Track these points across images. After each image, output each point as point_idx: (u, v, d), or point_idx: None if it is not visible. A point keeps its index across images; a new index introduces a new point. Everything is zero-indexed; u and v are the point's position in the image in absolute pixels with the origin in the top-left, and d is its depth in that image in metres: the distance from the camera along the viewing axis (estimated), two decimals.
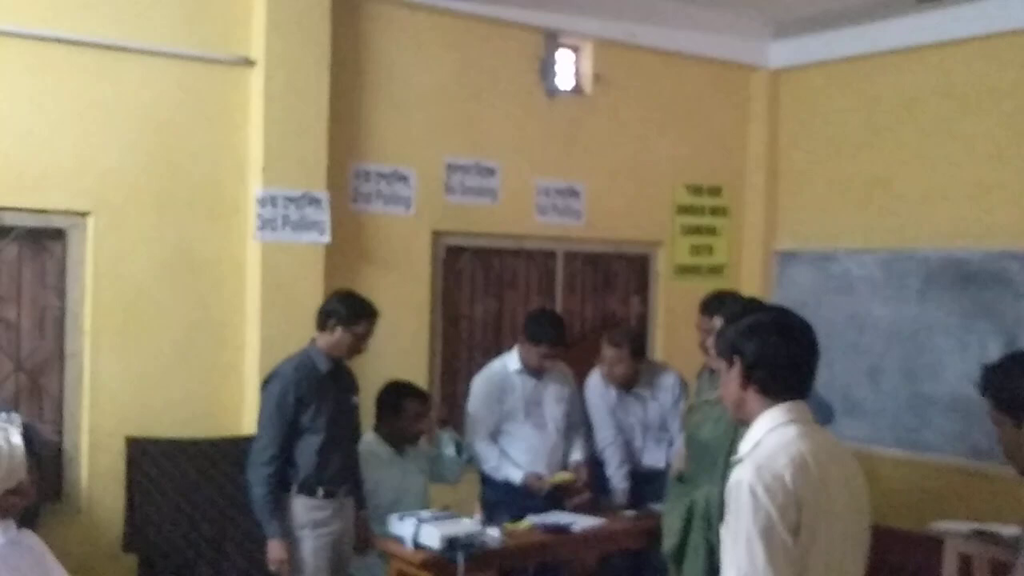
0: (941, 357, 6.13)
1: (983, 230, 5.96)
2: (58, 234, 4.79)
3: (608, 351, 5.00)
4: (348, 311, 4.28)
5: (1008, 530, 4.74)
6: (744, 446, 2.31)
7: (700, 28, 6.70)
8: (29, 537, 3.66)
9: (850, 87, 6.71)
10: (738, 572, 2.13)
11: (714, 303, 4.66)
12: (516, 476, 4.86)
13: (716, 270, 7.02)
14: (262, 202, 5.04)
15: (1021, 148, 5.83)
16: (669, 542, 3.92)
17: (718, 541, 3.63)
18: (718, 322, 3.77)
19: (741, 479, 2.18)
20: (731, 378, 2.37)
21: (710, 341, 3.97)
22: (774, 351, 2.31)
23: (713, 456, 3.78)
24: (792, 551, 2.12)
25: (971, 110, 6.07)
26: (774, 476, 2.15)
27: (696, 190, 6.94)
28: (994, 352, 5.82)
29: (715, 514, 3.69)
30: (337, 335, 4.28)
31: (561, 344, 4.91)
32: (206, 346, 5.05)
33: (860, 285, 6.58)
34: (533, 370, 4.95)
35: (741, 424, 2.42)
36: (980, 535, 4.81)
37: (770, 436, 2.27)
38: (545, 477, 4.87)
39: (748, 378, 2.33)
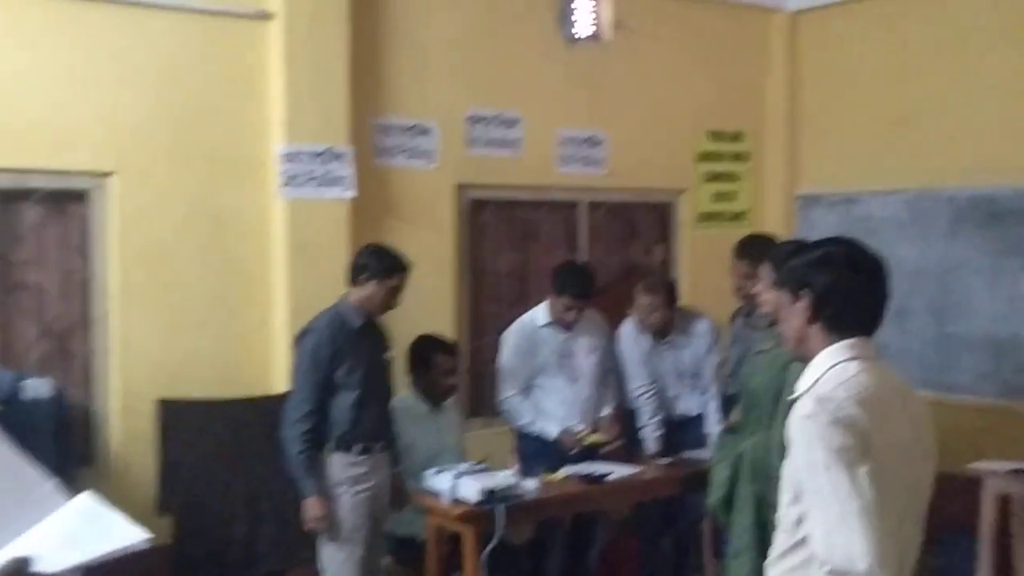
0: (970, 296, 6.07)
1: (1011, 166, 5.86)
2: (81, 195, 4.74)
3: (643, 299, 4.96)
4: (380, 265, 4.23)
5: None
6: (802, 383, 2.23)
7: None
8: None
9: (870, 27, 6.59)
10: (823, 504, 2.04)
11: (749, 247, 4.60)
12: (552, 431, 4.84)
13: (739, 216, 6.95)
14: (285, 158, 4.97)
15: None
16: (716, 494, 3.84)
17: (766, 491, 3.63)
18: (765, 271, 3.71)
19: (804, 414, 2.10)
20: (795, 312, 2.27)
21: (758, 287, 3.89)
22: (846, 285, 2.21)
23: (761, 405, 3.74)
24: (872, 469, 2.04)
25: (996, 44, 5.95)
26: (836, 406, 2.08)
27: (717, 136, 6.85)
28: None
29: (762, 464, 3.65)
30: (370, 289, 4.22)
31: (585, 296, 4.85)
32: (234, 305, 5.01)
33: (884, 227, 6.50)
34: (561, 323, 4.90)
35: (801, 361, 2.32)
36: (1020, 474, 4.79)
37: (830, 372, 2.18)
38: (580, 432, 4.84)
39: (816, 313, 2.23)
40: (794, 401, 2.22)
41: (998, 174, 5.93)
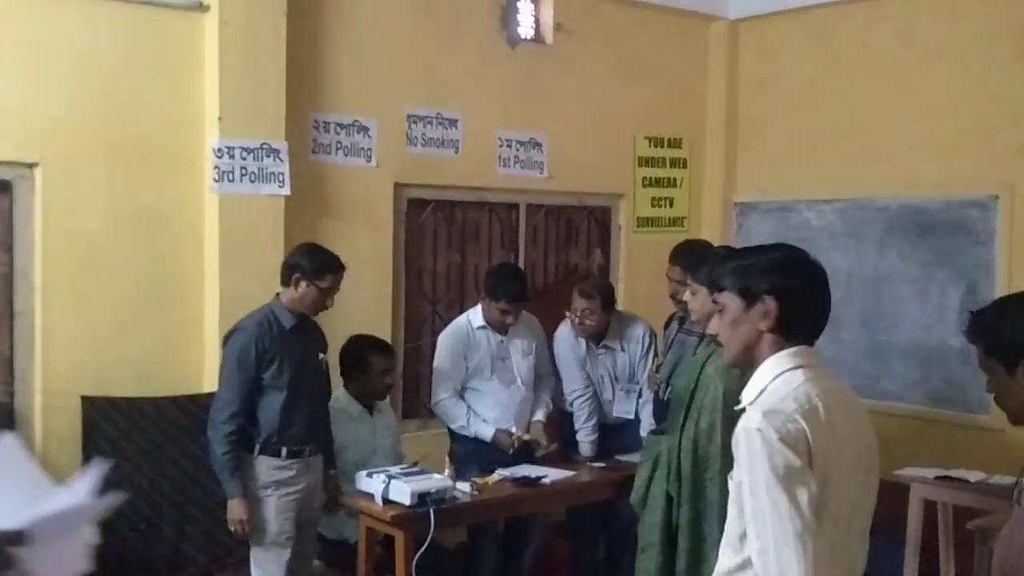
0: (900, 305, 6.17)
1: (942, 179, 5.97)
2: (4, 186, 4.58)
3: (580, 303, 4.95)
4: (313, 265, 4.16)
5: (975, 475, 4.81)
6: (747, 393, 2.21)
7: None
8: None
9: (809, 36, 6.67)
10: (761, 523, 2.02)
11: (684, 253, 4.62)
12: (487, 433, 4.81)
13: (676, 222, 6.99)
14: (218, 153, 4.87)
15: (979, 97, 5.84)
16: (636, 493, 3.95)
17: (677, 492, 3.69)
18: (691, 279, 3.76)
19: (749, 426, 2.06)
20: (749, 319, 2.22)
21: (686, 294, 3.93)
22: (803, 292, 2.19)
23: (682, 407, 3.80)
24: (813, 492, 2.03)
25: (931, 59, 6.06)
26: (784, 420, 2.05)
27: (657, 142, 6.88)
28: (954, 300, 5.89)
29: (674, 465, 3.70)
30: (302, 290, 4.15)
31: (521, 300, 4.83)
32: (164, 302, 4.90)
33: (819, 235, 6.59)
34: (501, 326, 4.87)
35: (745, 368, 2.30)
36: (946, 480, 4.87)
37: (776, 382, 2.16)
38: (515, 433, 4.82)
39: (777, 320, 2.18)
40: (739, 412, 2.20)
41: (928, 186, 6.03)
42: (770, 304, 2.19)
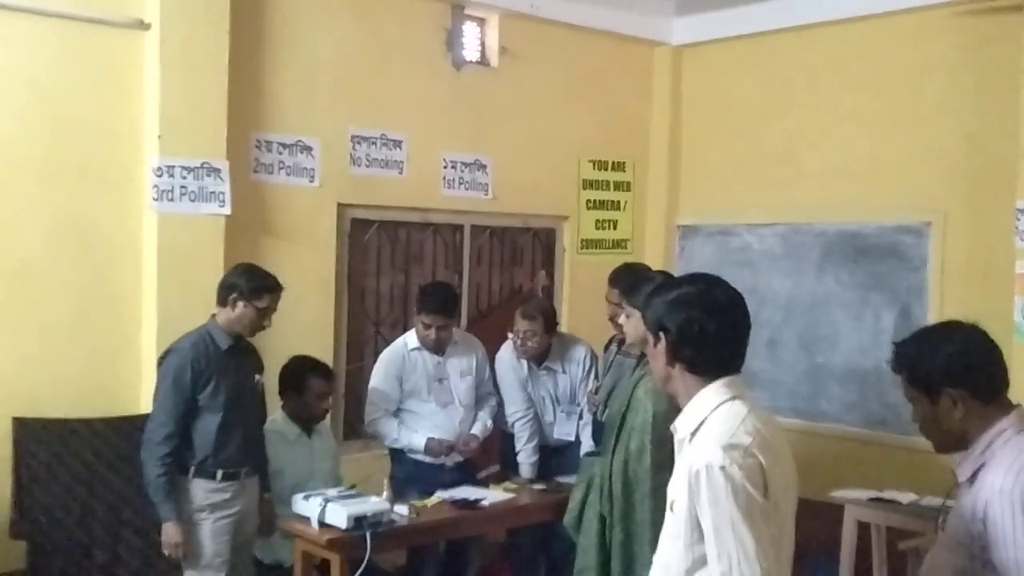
0: (837, 328, 6.28)
1: (877, 204, 6.10)
2: None
3: (521, 324, 4.97)
4: (250, 285, 4.13)
5: (906, 497, 4.89)
6: (683, 425, 2.23)
7: (604, 2, 6.66)
8: None
9: (750, 64, 6.79)
10: (729, 561, 2.03)
11: (622, 276, 4.66)
12: (419, 443, 4.77)
13: (620, 244, 7.06)
14: (158, 172, 4.83)
15: (912, 124, 5.98)
16: (570, 515, 3.98)
17: (609, 512, 3.72)
18: (625, 302, 3.80)
19: (711, 462, 2.06)
20: (657, 353, 2.27)
21: (622, 317, 3.97)
22: (699, 328, 2.19)
23: (615, 429, 3.84)
24: (773, 529, 2.06)
25: (866, 87, 6.20)
26: (743, 453, 2.07)
27: (601, 165, 6.95)
28: (888, 323, 6.00)
29: (606, 487, 3.75)
30: (239, 310, 4.12)
31: (441, 314, 4.77)
32: (100, 321, 4.83)
33: (760, 259, 6.69)
34: (430, 345, 4.85)
35: (672, 399, 2.33)
36: (879, 502, 4.95)
37: (717, 413, 2.17)
38: (446, 440, 4.79)
39: (674, 355, 2.23)
40: (669, 434, 2.23)
41: (864, 211, 6.16)
42: (663, 340, 2.24)
